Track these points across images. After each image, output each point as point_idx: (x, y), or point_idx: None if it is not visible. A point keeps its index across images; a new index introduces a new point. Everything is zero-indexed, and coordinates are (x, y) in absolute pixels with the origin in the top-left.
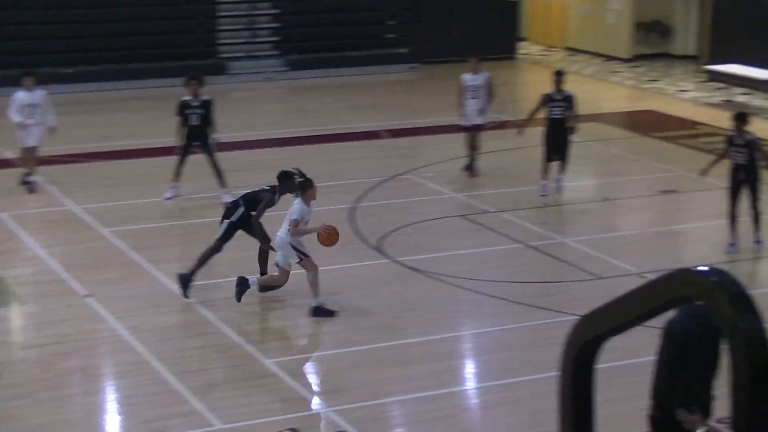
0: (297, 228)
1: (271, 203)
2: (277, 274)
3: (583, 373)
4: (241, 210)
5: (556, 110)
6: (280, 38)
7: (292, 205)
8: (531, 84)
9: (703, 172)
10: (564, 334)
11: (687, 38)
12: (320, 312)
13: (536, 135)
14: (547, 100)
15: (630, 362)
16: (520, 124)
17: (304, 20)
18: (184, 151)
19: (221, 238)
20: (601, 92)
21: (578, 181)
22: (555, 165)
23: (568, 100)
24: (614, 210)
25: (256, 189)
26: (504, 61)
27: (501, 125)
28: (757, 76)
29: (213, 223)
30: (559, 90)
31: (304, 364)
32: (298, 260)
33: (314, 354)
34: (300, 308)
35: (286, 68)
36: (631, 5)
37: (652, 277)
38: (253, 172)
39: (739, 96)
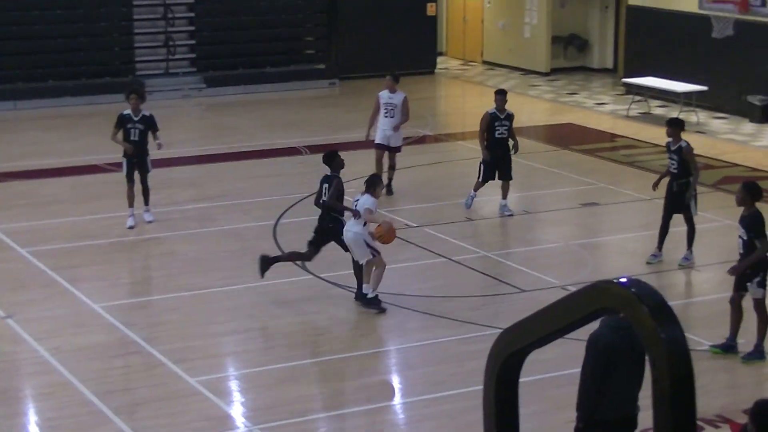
0: (371, 215)
1: (340, 184)
2: (375, 270)
3: (507, 385)
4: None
5: (500, 129)
6: (197, 55)
7: (362, 201)
8: (450, 98)
9: (655, 186)
10: (489, 348)
11: (604, 51)
12: (374, 304)
13: (455, 149)
14: (492, 119)
15: (557, 374)
16: (484, 157)
17: (221, 37)
18: (129, 171)
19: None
20: (521, 106)
21: (496, 196)
22: (499, 186)
23: (510, 119)
24: (536, 223)
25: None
26: (423, 75)
27: (421, 140)
28: (673, 88)
29: (134, 242)
30: (502, 109)
31: (229, 382)
32: (371, 257)
33: (239, 372)
34: (224, 326)
35: (203, 85)
36: (548, 19)
37: (574, 289)
38: (171, 190)
39: (657, 108)
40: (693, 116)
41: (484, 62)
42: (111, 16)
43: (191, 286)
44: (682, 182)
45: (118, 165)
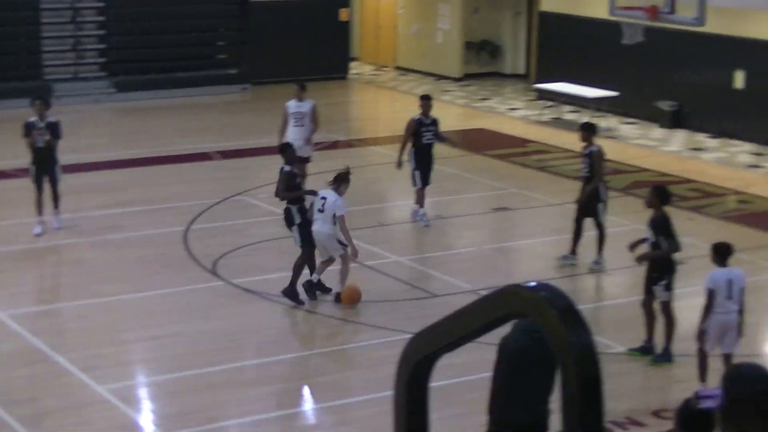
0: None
1: (284, 175)
2: (343, 266)
3: (417, 390)
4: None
5: (427, 135)
6: (108, 59)
7: (331, 201)
8: (363, 103)
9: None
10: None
11: (516, 57)
12: (318, 287)
13: (367, 155)
14: (418, 125)
15: (468, 379)
16: (397, 159)
17: (132, 41)
18: (37, 178)
19: (302, 244)
20: (433, 111)
21: (411, 200)
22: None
23: (436, 124)
24: (449, 228)
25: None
26: (336, 81)
27: (333, 145)
28: (584, 94)
29: (42, 249)
30: (428, 114)
31: (139, 390)
32: (342, 252)
33: (149, 379)
34: (133, 333)
35: (114, 90)
36: (460, 25)
37: (486, 293)
38: (80, 196)
39: (568, 114)
40: (604, 121)
41: (397, 67)
42: (18, 20)
43: (100, 294)
44: (585, 185)
45: (26, 171)
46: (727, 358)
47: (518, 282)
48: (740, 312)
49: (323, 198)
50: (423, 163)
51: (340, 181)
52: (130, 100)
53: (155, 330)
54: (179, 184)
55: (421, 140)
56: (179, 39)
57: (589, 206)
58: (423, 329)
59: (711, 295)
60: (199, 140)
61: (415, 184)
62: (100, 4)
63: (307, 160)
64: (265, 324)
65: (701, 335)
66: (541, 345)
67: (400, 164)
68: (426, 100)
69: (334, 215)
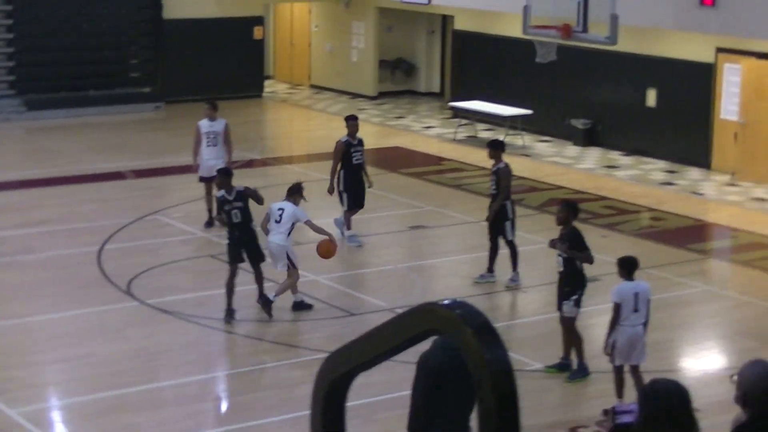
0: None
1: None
2: (287, 279)
3: (334, 410)
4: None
5: (356, 155)
6: (17, 77)
7: (290, 211)
8: (278, 122)
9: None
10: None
11: (431, 76)
12: (302, 306)
13: (283, 173)
14: (347, 147)
15: (386, 397)
16: (329, 188)
17: (43, 58)
18: None
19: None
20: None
21: (327, 218)
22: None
23: (362, 144)
24: (365, 246)
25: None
26: (251, 99)
27: (248, 164)
28: (498, 112)
29: None
30: (355, 135)
31: (53, 413)
32: (287, 268)
33: (63, 401)
34: (46, 354)
35: (24, 108)
36: (375, 43)
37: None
38: None
39: (483, 132)
40: (519, 139)
41: (312, 86)
42: None
43: (12, 315)
44: (492, 202)
45: None
46: (635, 369)
47: (434, 300)
48: (645, 324)
49: (280, 209)
50: (353, 184)
51: (293, 193)
52: (41, 119)
53: (69, 351)
54: (92, 203)
55: (350, 162)
56: (91, 56)
57: (497, 224)
58: (339, 348)
59: (617, 308)
60: (113, 159)
61: (343, 205)
62: (8, 21)
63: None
64: (181, 344)
65: (610, 350)
66: (459, 362)
67: (333, 190)
68: (353, 120)
69: (292, 227)
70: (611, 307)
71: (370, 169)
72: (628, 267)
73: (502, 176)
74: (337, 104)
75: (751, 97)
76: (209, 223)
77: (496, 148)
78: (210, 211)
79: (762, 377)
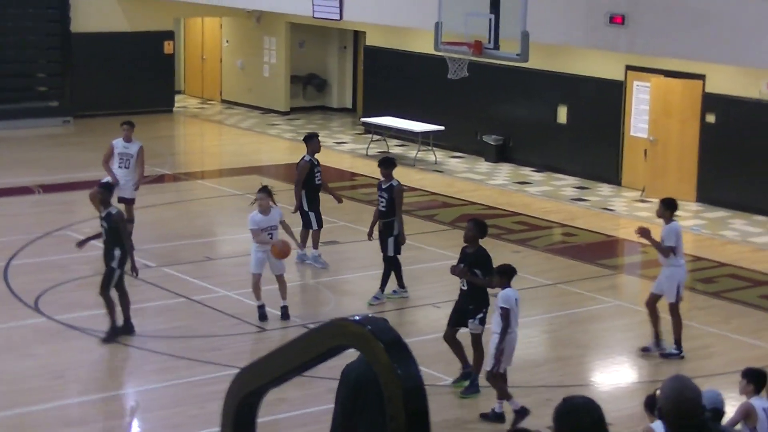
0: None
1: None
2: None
3: (244, 426)
4: None
5: (319, 175)
6: None
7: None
8: (189, 137)
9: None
10: None
11: (343, 91)
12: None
13: (194, 189)
14: (311, 166)
15: (301, 413)
16: (296, 205)
17: None
18: None
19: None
20: (260, 144)
21: (239, 234)
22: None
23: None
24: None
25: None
26: (161, 114)
27: (159, 179)
28: (410, 128)
29: None
30: (315, 154)
31: None
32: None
33: None
34: None
35: None
36: (287, 59)
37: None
38: None
39: (395, 147)
40: (431, 155)
41: (223, 101)
42: None
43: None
44: (388, 221)
45: None
46: (505, 373)
47: (346, 315)
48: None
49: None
50: (317, 204)
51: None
52: None
53: None
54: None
55: (313, 181)
56: None
57: (381, 240)
58: (250, 363)
59: (507, 315)
60: (20, 174)
61: (311, 226)
62: None
63: (131, 201)
64: (90, 360)
65: (499, 355)
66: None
67: (298, 209)
68: (315, 138)
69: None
70: (500, 315)
71: (279, 184)
72: (509, 274)
73: (396, 194)
74: (248, 120)
75: (660, 115)
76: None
77: (387, 165)
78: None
79: (677, 393)
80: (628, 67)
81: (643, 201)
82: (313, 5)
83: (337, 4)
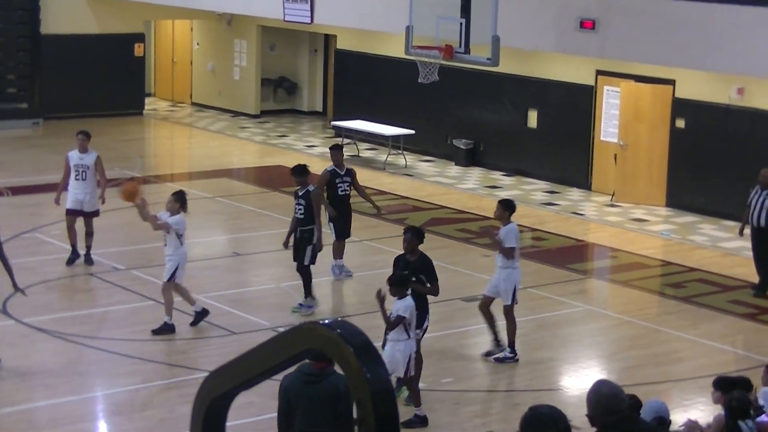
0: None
1: None
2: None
3: (213, 429)
4: None
5: (342, 186)
6: None
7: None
8: (159, 140)
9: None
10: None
11: (313, 94)
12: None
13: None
14: (332, 176)
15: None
16: (329, 213)
17: None
18: None
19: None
20: (230, 148)
21: (209, 236)
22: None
23: (351, 175)
24: (246, 265)
25: None
26: (131, 116)
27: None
28: (381, 131)
29: None
30: (341, 165)
31: None
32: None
33: None
34: None
35: None
36: (258, 62)
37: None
38: None
39: (366, 151)
40: (401, 159)
41: (194, 104)
42: None
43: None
44: (306, 229)
45: None
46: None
47: (316, 320)
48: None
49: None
50: (339, 215)
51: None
52: None
53: None
54: None
55: (336, 192)
56: None
57: (298, 248)
58: (219, 367)
59: (402, 322)
60: None
61: (337, 237)
62: None
63: (94, 214)
64: (59, 364)
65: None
66: (315, 387)
67: (333, 214)
68: (337, 149)
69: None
70: (394, 321)
71: (249, 187)
72: (405, 284)
73: (313, 200)
74: (218, 122)
75: (630, 120)
76: (72, 260)
77: (300, 174)
78: (73, 246)
79: (595, 393)
80: (599, 72)
81: (613, 206)
82: (284, 8)
83: (308, 8)
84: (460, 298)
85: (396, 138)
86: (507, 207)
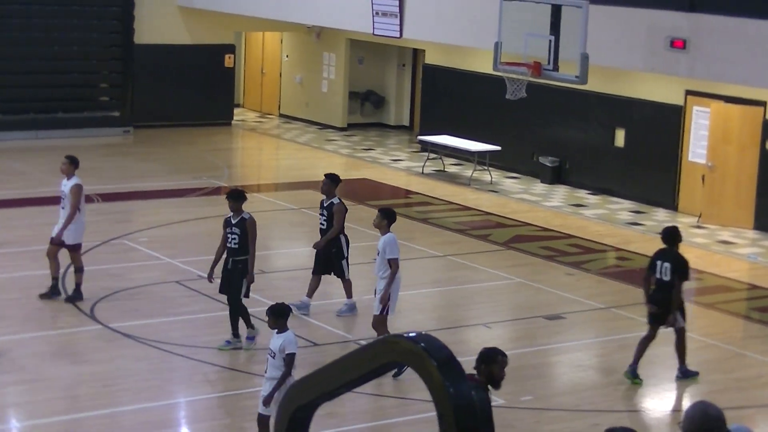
0: None
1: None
2: None
3: None
4: None
5: (322, 219)
6: None
7: None
8: (246, 150)
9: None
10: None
11: (400, 109)
12: None
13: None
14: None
15: (354, 428)
16: (319, 244)
17: (11, 80)
18: None
19: None
20: (317, 160)
21: (293, 248)
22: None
23: (330, 209)
24: (329, 277)
25: None
26: (220, 126)
27: (216, 191)
28: (467, 147)
29: None
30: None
31: None
32: None
33: (22, 424)
34: (7, 376)
35: None
36: (346, 75)
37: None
38: None
39: (451, 166)
40: (486, 175)
41: (281, 115)
42: None
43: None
44: (240, 259)
45: None
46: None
47: (398, 332)
48: None
49: None
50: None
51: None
52: (8, 140)
53: (29, 374)
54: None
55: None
56: (61, 80)
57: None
58: (303, 377)
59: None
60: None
61: (343, 275)
62: None
63: (73, 248)
64: (143, 369)
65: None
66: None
67: (321, 247)
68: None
69: None
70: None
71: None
72: (286, 315)
73: (249, 228)
74: (305, 134)
75: (719, 141)
76: (49, 294)
77: (236, 198)
78: (54, 279)
79: (701, 412)
80: (688, 92)
81: (699, 227)
82: (373, 22)
83: (397, 22)
84: (543, 316)
85: (482, 154)
86: (386, 216)
